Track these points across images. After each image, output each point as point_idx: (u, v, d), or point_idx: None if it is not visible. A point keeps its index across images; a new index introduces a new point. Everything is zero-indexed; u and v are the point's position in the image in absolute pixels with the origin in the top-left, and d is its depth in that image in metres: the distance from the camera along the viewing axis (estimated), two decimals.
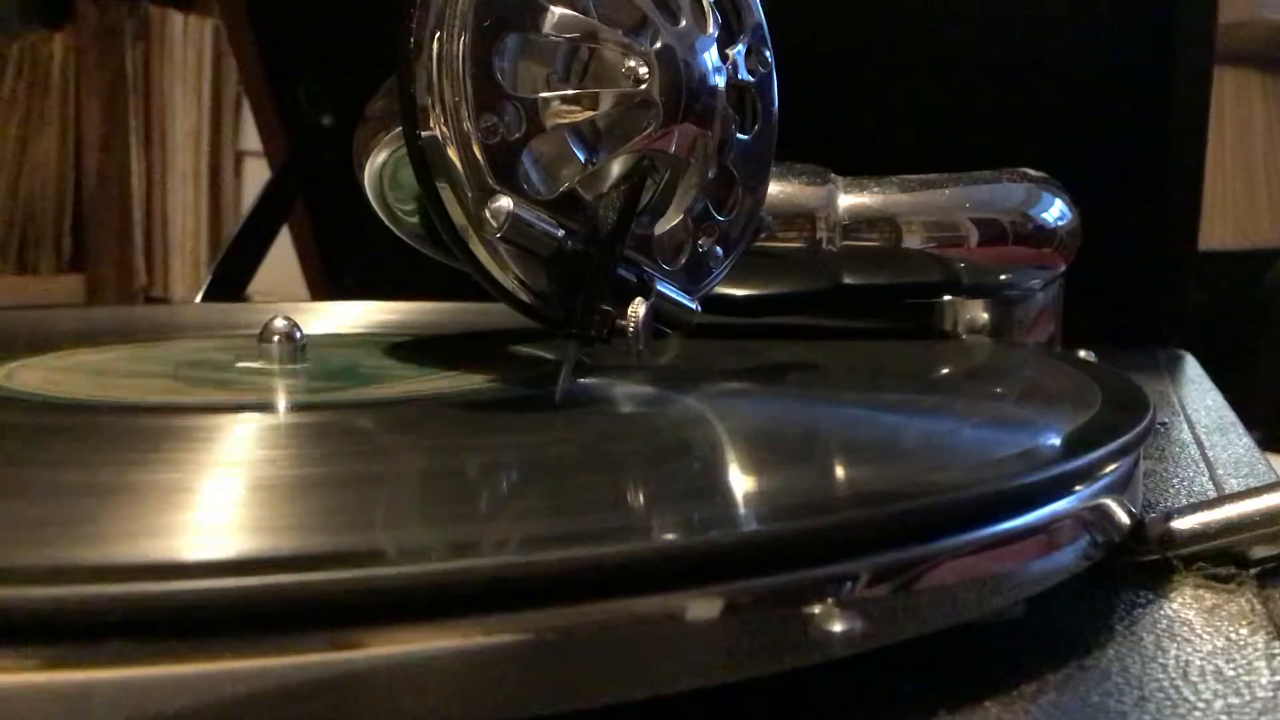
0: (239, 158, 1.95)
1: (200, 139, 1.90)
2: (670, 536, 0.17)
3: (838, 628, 0.17)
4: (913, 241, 0.37)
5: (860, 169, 0.39)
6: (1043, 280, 0.40)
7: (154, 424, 0.26)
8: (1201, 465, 0.32)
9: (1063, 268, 0.40)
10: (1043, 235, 0.38)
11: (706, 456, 0.23)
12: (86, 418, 0.27)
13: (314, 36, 0.67)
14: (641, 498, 0.20)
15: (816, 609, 0.17)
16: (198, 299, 0.59)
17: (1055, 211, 0.39)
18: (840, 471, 0.22)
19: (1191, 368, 0.52)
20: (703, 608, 0.16)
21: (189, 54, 1.87)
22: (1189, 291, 0.56)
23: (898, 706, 0.17)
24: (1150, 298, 0.56)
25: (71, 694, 0.14)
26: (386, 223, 0.34)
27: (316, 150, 0.65)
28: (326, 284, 0.70)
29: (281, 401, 0.28)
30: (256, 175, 1.95)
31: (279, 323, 0.31)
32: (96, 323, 0.51)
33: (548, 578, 0.15)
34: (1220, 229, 1.48)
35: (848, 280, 0.38)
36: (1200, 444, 0.35)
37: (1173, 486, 0.29)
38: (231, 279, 0.61)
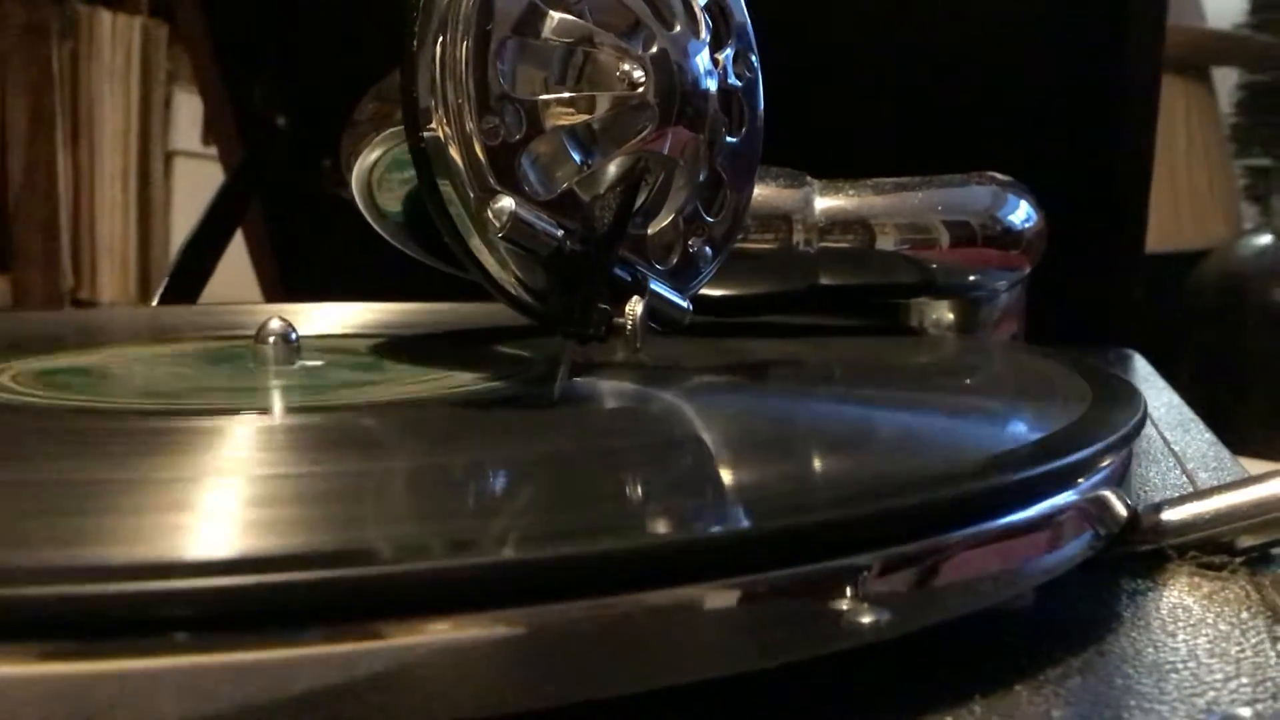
0: (168, 158, 1.92)
1: (129, 139, 1.88)
2: (708, 528, 0.18)
3: (866, 617, 0.17)
4: (886, 243, 0.38)
5: (821, 172, 0.40)
6: (1008, 281, 0.41)
7: (150, 426, 0.25)
8: (1172, 460, 0.33)
9: (1028, 269, 0.41)
10: (1010, 237, 0.39)
11: (722, 452, 0.24)
12: (83, 419, 0.27)
13: (269, 36, 0.67)
14: (667, 491, 0.20)
15: (846, 598, 0.17)
16: (154, 303, 0.59)
17: (1022, 214, 0.40)
18: (860, 466, 0.22)
19: (1142, 366, 0.53)
20: (743, 597, 0.17)
21: (117, 52, 1.85)
22: (1137, 292, 0.57)
23: (932, 692, 0.18)
24: (1099, 298, 0.58)
25: (71, 690, 0.14)
26: (371, 222, 0.34)
27: (271, 151, 0.65)
28: (281, 286, 0.70)
29: (281, 403, 0.28)
30: (186, 176, 1.92)
31: (274, 324, 0.31)
32: (88, 324, 0.50)
33: (579, 570, 0.16)
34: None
35: (825, 281, 0.38)
36: (1165, 440, 0.36)
37: (1151, 481, 0.30)
38: (187, 282, 0.61)
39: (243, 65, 0.66)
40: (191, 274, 0.61)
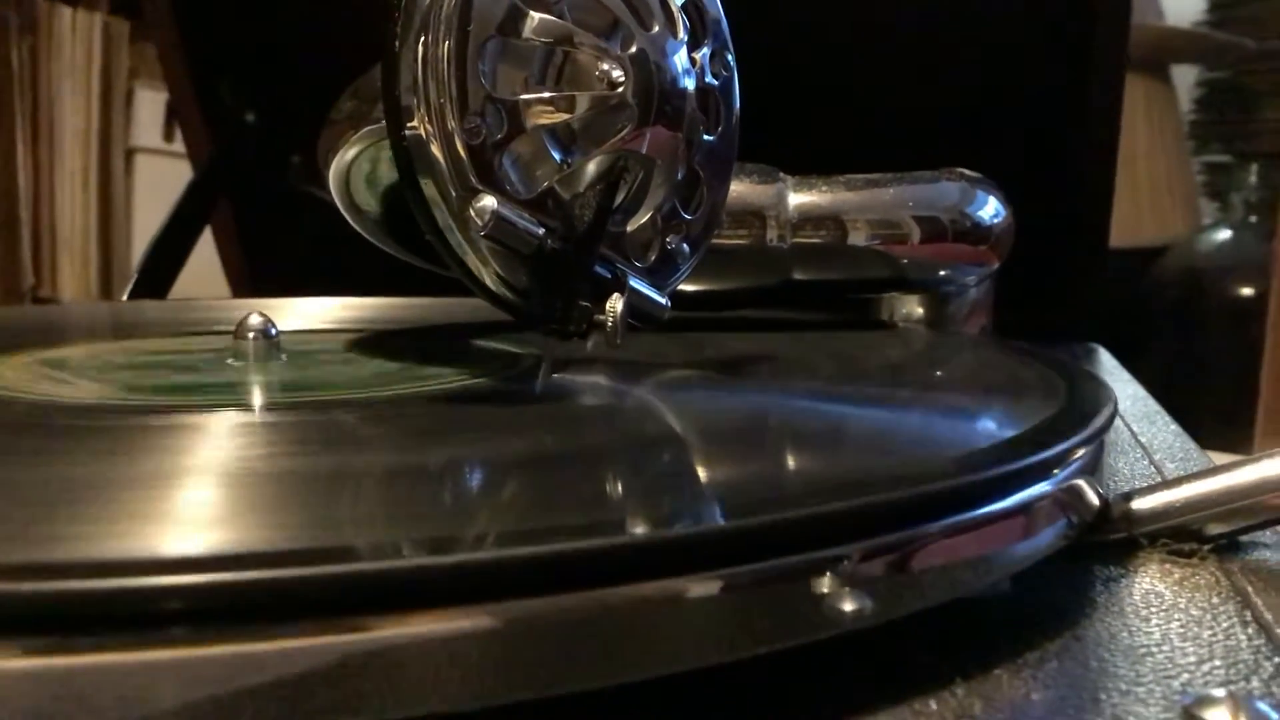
0: (129, 155, 1.90)
1: (89, 136, 1.86)
2: (695, 521, 0.18)
3: (849, 605, 0.18)
4: (857, 239, 0.39)
5: (792, 168, 0.40)
6: (977, 276, 0.42)
7: (130, 423, 0.25)
8: (1139, 451, 0.34)
9: (996, 264, 0.42)
10: (979, 233, 0.40)
11: (705, 446, 0.24)
12: (65, 416, 0.27)
13: (237, 32, 0.66)
14: (653, 485, 0.21)
15: (831, 587, 0.18)
16: (123, 298, 0.59)
17: (990, 209, 0.40)
18: (845, 458, 0.23)
19: (1107, 360, 0.54)
20: (729, 588, 0.17)
21: (77, 49, 1.83)
22: (1100, 287, 0.58)
23: (916, 676, 0.18)
24: (1064, 294, 0.59)
25: (57, 683, 0.14)
26: (349, 219, 0.35)
27: (240, 147, 0.64)
28: (249, 282, 0.70)
29: (262, 399, 0.28)
30: (148, 173, 1.91)
31: (254, 319, 0.31)
32: (58, 321, 0.50)
33: (567, 564, 0.16)
34: None
35: (798, 276, 0.39)
36: (1132, 431, 0.37)
37: (1120, 471, 0.31)
38: (156, 278, 0.61)
39: (211, 61, 0.66)
40: (161, 270, 0.61)
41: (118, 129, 1.89)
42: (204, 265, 0.70)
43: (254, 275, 0.70)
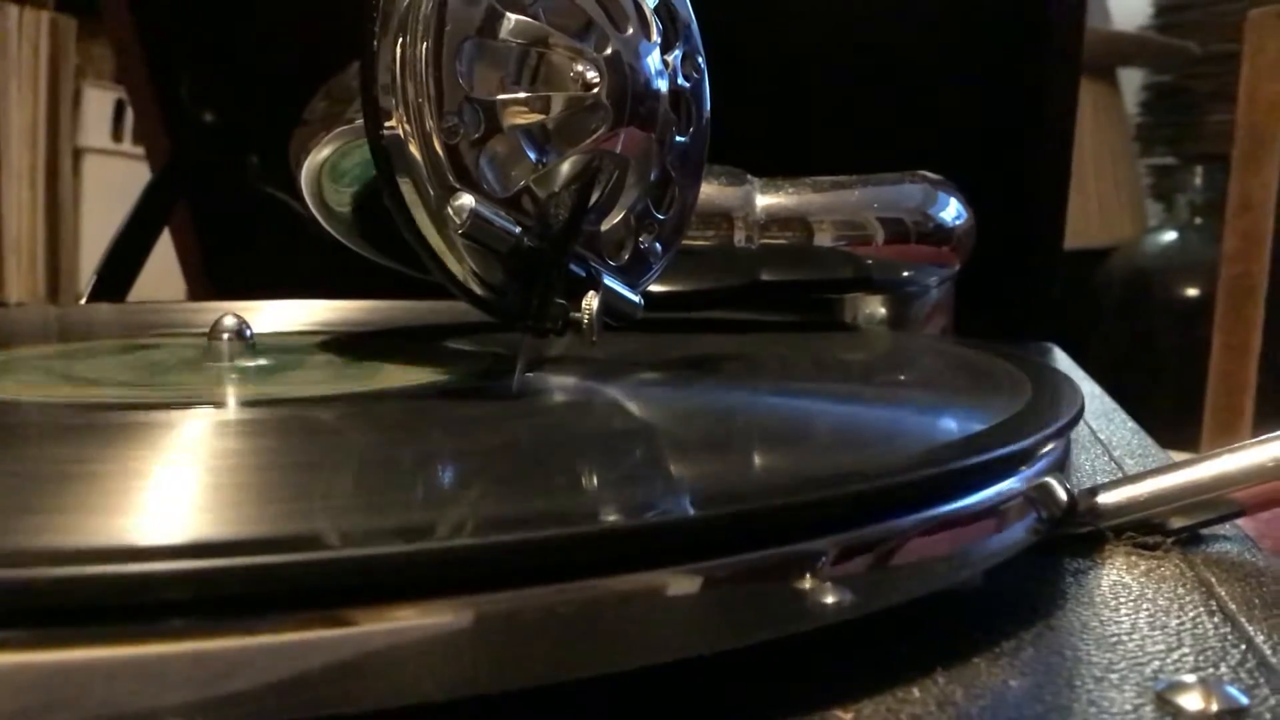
0: (77, 154, 1.89)
1: (37, 135, 1.84)
2: (680, 515, 0.19)
3: (829, 598, 0.18)
4: (823, 240, 0.39)
5: (756, 170, 0.41)
6: (939, 277, 0.43)
7: (104, 421, 0.25)
8: (1099, 448, 0.34)
9: (958, 266, 0.42)
10: (942, 234, 0.41)
11: (685, 443, 0.25)
12: (39, 416, 0.27)
13: (196, 31, 0.66)
14: (634, 480, 0.21)
15: (809, 579, 0.18)
16: (82, 301, 0.58)
17: (952, 211, 0.41)
18: (823, 457, 0.23)
19: (1062, 358, 0.55)
20: (712, 580, 0.17)
21: (24, 47, 1.81)
22: (1056, 288, 0.59)
23: (899, 666, 0.19)
24: (1019, 294, 0.59)
25: (45, 678, 0.14)
26: (320, 220, 0.35)
27: (199, 147, 0.64)
28: (208, 284, 0.69)
29: (240, 397, 0.28)
30: (96, 173, 1.89)
31: (228, 320, 0.31)
32: (24, 322, 0.49)
33: (554, 555, 0.16)
34: None
35: (765, 276, 0.39)
36: (1091, 428, 0.37)
37: (1083, 467, 0.32)
38: (116, 280, 0.60)
39: (169, 60, 0.65)
40: (119, 272, 0.61)
41: (65, 128, 1.87)
42: (158, 266, 0.70)
43: (213, 276, 0.70)
